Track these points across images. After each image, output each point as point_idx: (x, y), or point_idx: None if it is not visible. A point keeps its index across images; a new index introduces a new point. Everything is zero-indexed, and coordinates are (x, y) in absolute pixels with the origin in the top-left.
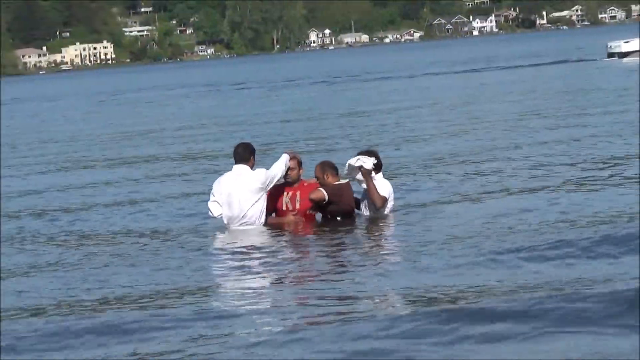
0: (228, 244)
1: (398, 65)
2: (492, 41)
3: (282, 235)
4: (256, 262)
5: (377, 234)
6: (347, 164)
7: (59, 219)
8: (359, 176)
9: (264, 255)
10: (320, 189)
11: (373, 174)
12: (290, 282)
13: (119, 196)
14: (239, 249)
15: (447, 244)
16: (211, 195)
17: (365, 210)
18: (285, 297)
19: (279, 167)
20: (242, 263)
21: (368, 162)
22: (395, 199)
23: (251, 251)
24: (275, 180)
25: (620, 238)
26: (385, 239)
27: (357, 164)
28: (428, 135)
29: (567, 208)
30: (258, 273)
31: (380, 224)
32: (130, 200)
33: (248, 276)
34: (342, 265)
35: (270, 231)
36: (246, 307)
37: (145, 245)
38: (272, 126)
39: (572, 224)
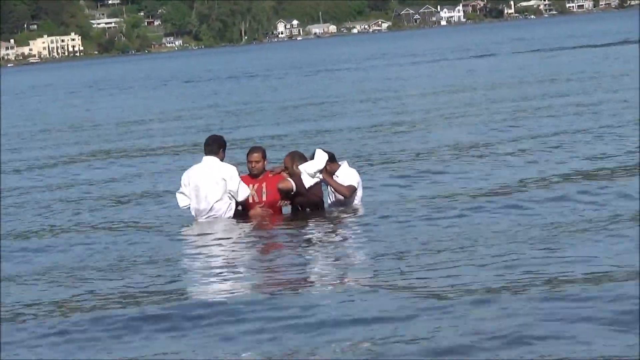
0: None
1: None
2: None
3: (248, 231)
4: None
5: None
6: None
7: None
8: (319, 175)
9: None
10: (289, 179)
11: (341, 167)
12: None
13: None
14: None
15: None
16: (182, 186)
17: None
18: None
19: (243, 195)
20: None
21: (319, 162)
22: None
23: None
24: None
25: None
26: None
27: (316, 169)
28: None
29: None
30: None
31: (348, 219)
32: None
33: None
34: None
35: (235, 227)
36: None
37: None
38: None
39: None
